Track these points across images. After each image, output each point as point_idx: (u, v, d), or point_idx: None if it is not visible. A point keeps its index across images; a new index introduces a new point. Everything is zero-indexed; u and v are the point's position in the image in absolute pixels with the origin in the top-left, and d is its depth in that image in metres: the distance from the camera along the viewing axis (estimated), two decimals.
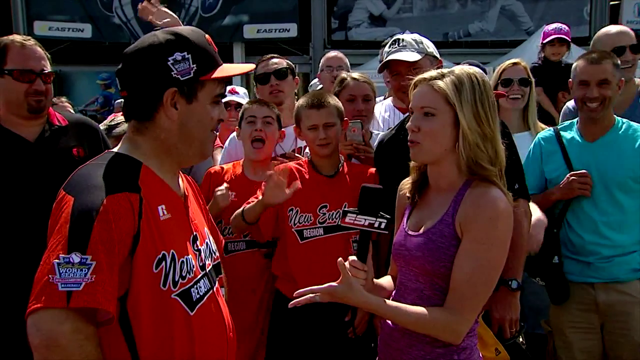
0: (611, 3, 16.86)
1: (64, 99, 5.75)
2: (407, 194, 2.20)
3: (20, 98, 2.73)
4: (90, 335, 1.55)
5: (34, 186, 2.70)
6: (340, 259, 1.95)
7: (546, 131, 3.40)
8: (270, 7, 16.58)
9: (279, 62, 3.72)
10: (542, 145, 3.30)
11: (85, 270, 1.51)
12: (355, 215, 2.01)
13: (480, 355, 2.15)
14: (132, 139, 1.81)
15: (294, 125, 3.16)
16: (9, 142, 2.74)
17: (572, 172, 3.13)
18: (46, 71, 2.80)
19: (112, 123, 3.58)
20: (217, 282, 1.93)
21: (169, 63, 1.73)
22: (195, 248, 1.83)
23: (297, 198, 2.91)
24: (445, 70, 2.08)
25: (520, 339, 3.21)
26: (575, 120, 3.32)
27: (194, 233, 1.85)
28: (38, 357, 1.53)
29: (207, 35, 1.85)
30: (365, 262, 2.03)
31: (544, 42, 5.36)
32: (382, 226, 2.00)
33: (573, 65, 3.26)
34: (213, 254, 1.95)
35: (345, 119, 3.11)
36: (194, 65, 1.75)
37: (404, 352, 2.07)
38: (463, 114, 1.99)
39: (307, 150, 3.27)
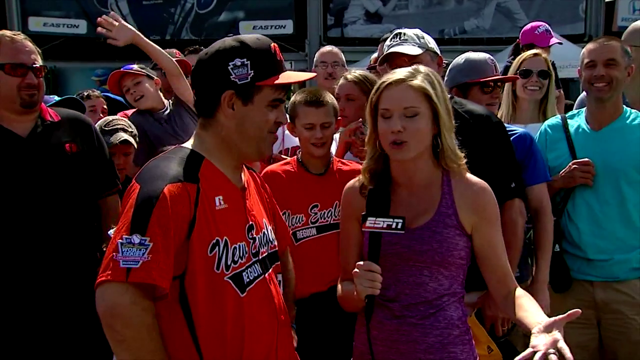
0: (606, 0, 16.88)
1: (97, 92, 5.62)
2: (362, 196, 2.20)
3: (13, 92, 2.71)
4: (147, 307, 1.75)
5: (26, 182, 2.69)
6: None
7: (554, 118, 3.37)
8: (266, 4, 16.53)
9: None
10: (547, 133, 3.28)
11: (143, 250, 1.72)
12: (374, 219, 2.05)
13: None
14: (199, 134, 2.02)
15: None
16: (1, 138, 2.72)
17: (575, 160, 3.11)
18: (37, 65, 2.79)
19: (107, 128, 3.49)
20: (271, 268, 2.09)
21: (229, 67, 1.91)
22: (250, 236, 2.00)
23: (287, 200, 2.91)
24: (411, 69, 2.14)
25: None
26: (583, 109, 3.30)
27: (250, 223, 2.01)
28: (104, 323, 1.74)
29: (273, 44, 2.00)
30: (378, 264, 2.05)
31: (549, 45, 4.97)
32: (399, 226, 2.03)
33: (581, 52, 3.24)
34: (270, 243, 2.11)
35: (339, 119, 3.11)
36: (252, 71, 1.92)
37: (419, 342, 2.10)
38: (441, 108, 2.08)
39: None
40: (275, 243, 2.16)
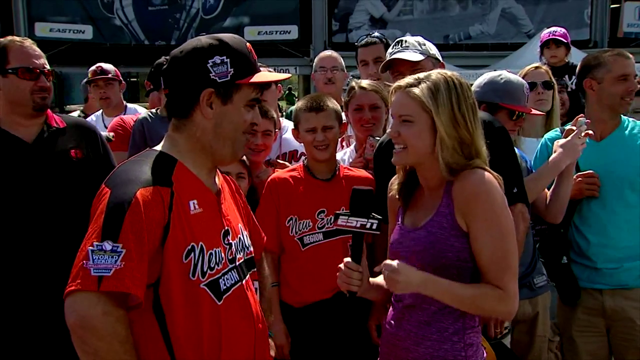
0: (612, 6, 16.91)
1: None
2: (396, 195, 2.23)
3: (26, 96, 2.74)
4: (120, 318, 1.68)
5: (31, 188, 2.70)
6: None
7: (553, 131, 3.35)
8: (271, 9, 16.64)
9: None
10: (548, 146, 3.24)
11: (115, 257, 1.65)
12: (347, 217, 2.05)
13: (485, 353, 2.16)
14: (172, 137, 1.94)
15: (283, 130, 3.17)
16: (7, 144, 2.74)
17: (579, 173, 3.10)
18: (47, 68, 2.82)
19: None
20: (248, 275, 2.02)
21: (208, 65, 1.85)
22: (226, 242, 1.93)
23: (294, 206, 2.92)
24: (422, 75, 2.11)
25: None
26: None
27: (225, 228, 1.95)
28: (74, 335, 1.66)
29: (248, 44, 1.96)
30: (360, 263, 2.06)
31: (541, 46, 5.28)
32: (374, 227, 2.03)
33: (604, 62, 3.14)
34: (246, 249, 2.05)
35: (344, 122, 3.11)
36: (232, 69, 1.87)
37: (410, 351, 2.09)
38: (440, 119, 2.03)
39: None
40: (252, 249, 2.10)
